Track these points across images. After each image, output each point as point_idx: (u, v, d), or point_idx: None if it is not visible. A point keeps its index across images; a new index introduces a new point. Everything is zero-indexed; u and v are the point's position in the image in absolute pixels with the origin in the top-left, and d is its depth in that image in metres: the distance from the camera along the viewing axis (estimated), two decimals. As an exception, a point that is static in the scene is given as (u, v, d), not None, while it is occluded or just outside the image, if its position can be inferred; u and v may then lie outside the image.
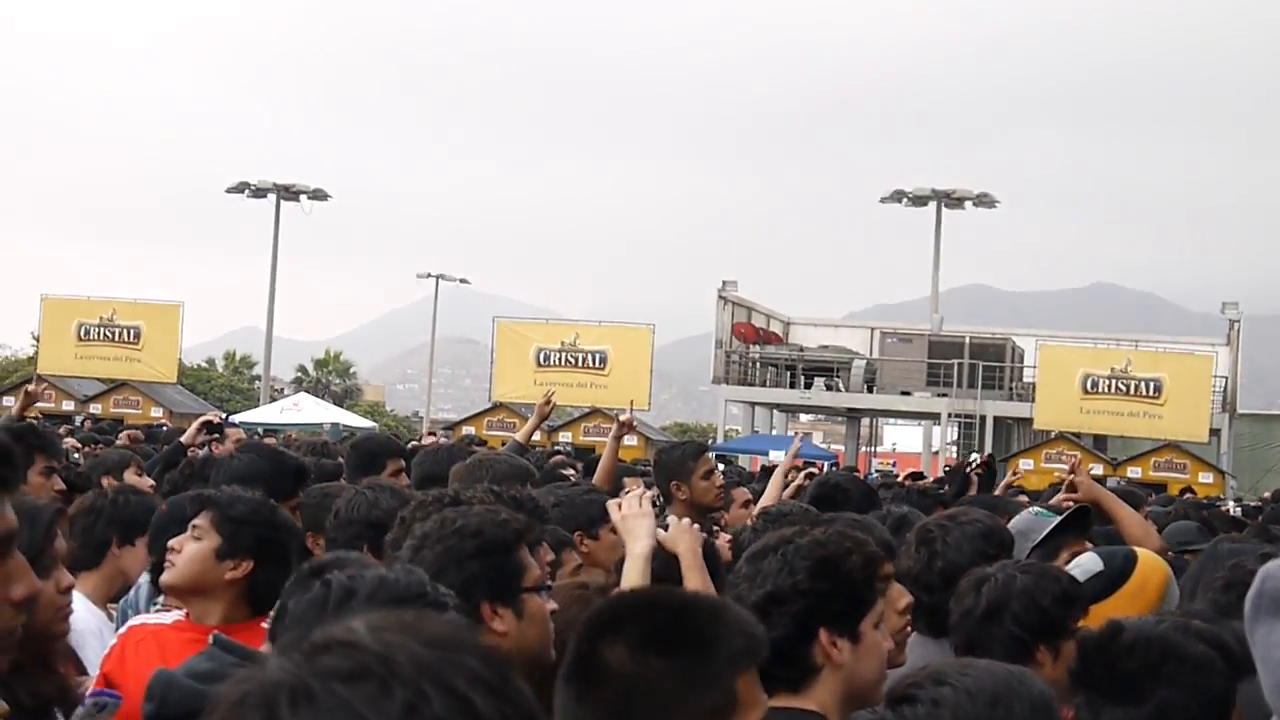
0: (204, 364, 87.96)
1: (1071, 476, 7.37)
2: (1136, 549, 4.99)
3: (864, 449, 53.65)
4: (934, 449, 44.14)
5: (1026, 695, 2.92)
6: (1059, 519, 6.15)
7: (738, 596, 3.55)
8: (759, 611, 3.49)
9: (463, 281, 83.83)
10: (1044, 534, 6.05)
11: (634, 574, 4.62)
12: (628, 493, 5.20)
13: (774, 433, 47.46)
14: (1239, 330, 43.73)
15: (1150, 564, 4.83)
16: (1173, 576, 4.86)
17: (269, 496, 5.11)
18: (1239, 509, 18.81)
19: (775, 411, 49.77)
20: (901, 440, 72.30)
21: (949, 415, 42.76)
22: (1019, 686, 2.94)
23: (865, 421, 54.05)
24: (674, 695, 2.59)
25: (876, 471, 36.35)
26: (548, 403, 10.88)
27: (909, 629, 4.22)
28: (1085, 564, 4.78)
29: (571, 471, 11.85)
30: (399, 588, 3.21)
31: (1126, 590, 4.60)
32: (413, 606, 3.16)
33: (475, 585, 3.74)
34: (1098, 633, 3.27)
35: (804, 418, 70.63)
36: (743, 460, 35.77)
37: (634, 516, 4.83)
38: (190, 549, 4.63)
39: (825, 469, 18.70)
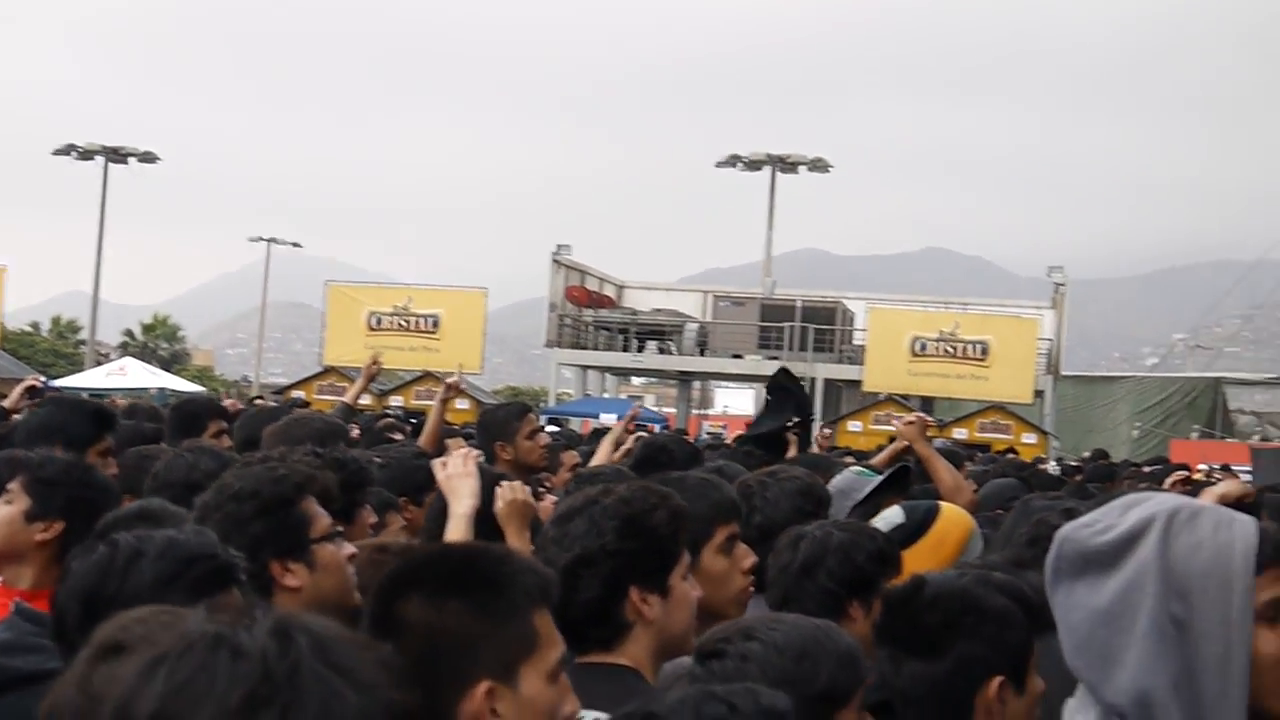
0: (28, 328, 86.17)
1: (901, 425, 7.53)
2: (941, 503, 5.06)
3: (695, 412, 53.86)
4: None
5: (833, 649, 2.97)
6: (880, 478, 6.27)
7: (546, 560, 3.55)
8: (568, 574, 3.49)
9: (295, 245, 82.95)
10: (865, 492, 6.16)
11: (456, 535, 4.60)
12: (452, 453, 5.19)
13: (606, 396, 47.54)
14: (1064, 294, 44.35)
15: (952, 518, 4.90)
16: (977, 531, 4.94)
17: (70, 444, 5.03)
18: (1058, 468, 19.17)
19: (607, 375, 49.82)
20: (733, 403, 72.71)
21: (780, 378, 42.90)
22: (826, 640, 2.98)
23: (697, 384, 54.27)
24: (476, 632, 2.62)
25: (707, 434, 36.58)
26: (375, 364, 10.82)
27: (751, 588, 4.26)
28: (889, 516, 4.86)
29: (400, 435, 11.79)
30: (189, 548, 3.18)
31: (925, 543, 4.67)
32: (202, 567, 3.15)
33: (261, 545, 3.74)
34: (901, 587, 3.32)
35: (636, 381, 70.89)
36: (574, 423, 35.78)
37: (458, 476, 4.82)
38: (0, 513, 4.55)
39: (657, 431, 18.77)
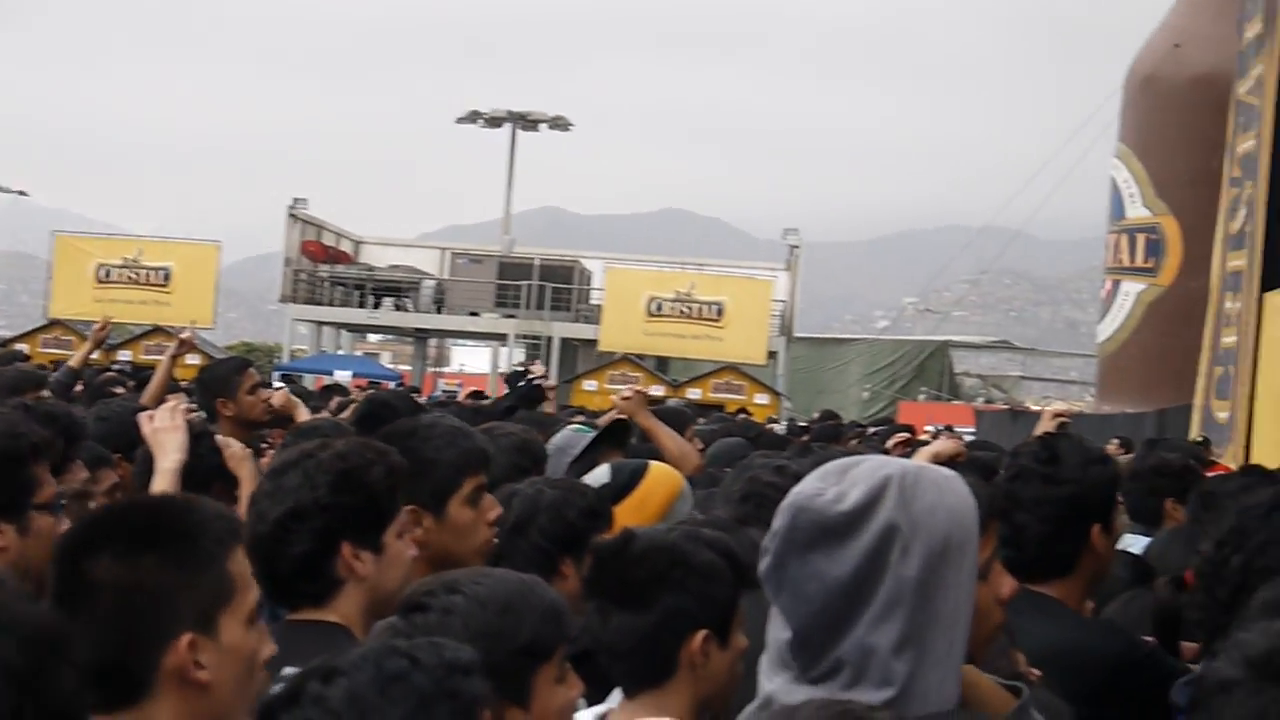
0: None
1: (619, 401, 7.54)
2: (651, 463, 5.07)
3: (431, 369, 53.69)
4: (501, 370, 44.47)
5: (537, 603, 2.97)
6: (595, 433, 6.31)
7: (259, 514, 3.52)
8: (281, 528, 3.47)
9: (21, 194, 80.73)
10: (582, 448, 6.20)
11: (162, 489, 4.53)
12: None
13: (340, 352, 47.17)
14: (799, 256, 45.08)
15: (659, 478, 4.91)
16: (686, 491, 4.93)
17: None
18: (784, 428, 19.44)
19: (343, 331, 49.45)
20: (469, 361, 72.55)
21: (516, 336, 43.11)
22: (530, 595, 2.98)
23: (433, 342, 54.12)
24: (174, 585, 2.58)
25: (442, 391, 36.48)
26: (103, 328, 10.67)
27: (495, 540, 4.24)
28: (597, 475, 4.86)
29: (121, 389, 11.56)
30: None
31: (628, 502, 4.67)
32: None
33: None
34: (610, 541, 3.34)
35: (372, 338, 70.30)
36: (308, 380, 35.42)
37: (164, 430, 4.74)
38: None
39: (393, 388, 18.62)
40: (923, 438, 12.94)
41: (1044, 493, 4.07)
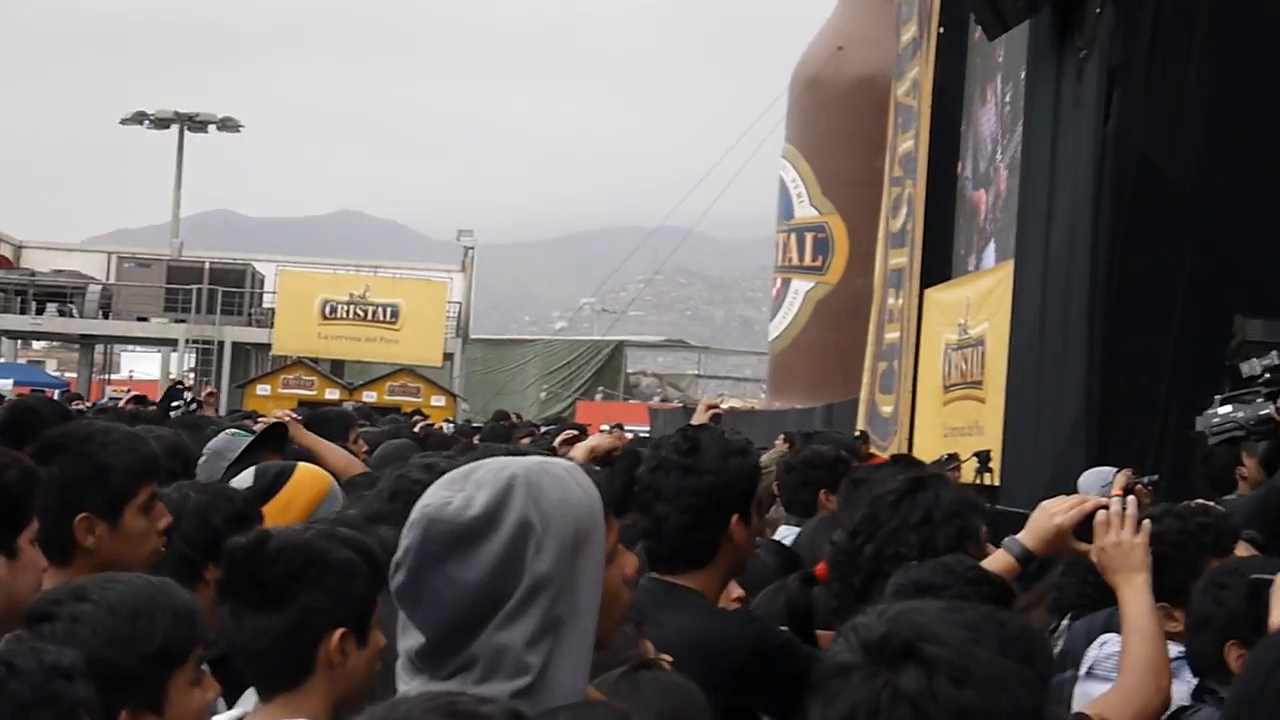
0: None
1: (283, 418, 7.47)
2: (299, 465, 5.05)
3: (99, 376, 52.46)
4: (172, 375, 43.73)
5: (169, 606, 2.94)
6: (251, 437, 6.28)
7: None
8: None
9: None
10: (238, 452, 6.16)
11: None
12: None
13: (2, 360, 45.88)
14: (474, 257, 45.29)
15: (305, 481, 4.89)
16: (334, 492, 4.94)
17: None
18: (451, 428, 19.46)
19: (4, 339, 48.11)
20: (139, 367, 71.00)
21: (187, 341, 42.46)
22: (160, 598, 2.95)
23: (101, 348, 52.86)
24: None
25: (110, 399, 35.70)
26: None
27: (163, 549, 4.16)
28: (241, 479, 4.83)
29: None
30: None
31: (272, 506, 4.64)
32: None
33: None
34: (243, 542, 3.30)
35: (37, 345, 68.39)
36: (-32, 389, 34.38)
37: None
38: None
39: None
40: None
41: (684, 483, 4.10)
